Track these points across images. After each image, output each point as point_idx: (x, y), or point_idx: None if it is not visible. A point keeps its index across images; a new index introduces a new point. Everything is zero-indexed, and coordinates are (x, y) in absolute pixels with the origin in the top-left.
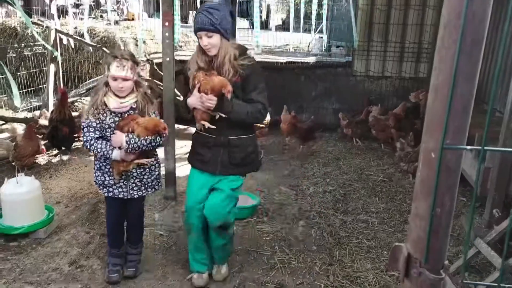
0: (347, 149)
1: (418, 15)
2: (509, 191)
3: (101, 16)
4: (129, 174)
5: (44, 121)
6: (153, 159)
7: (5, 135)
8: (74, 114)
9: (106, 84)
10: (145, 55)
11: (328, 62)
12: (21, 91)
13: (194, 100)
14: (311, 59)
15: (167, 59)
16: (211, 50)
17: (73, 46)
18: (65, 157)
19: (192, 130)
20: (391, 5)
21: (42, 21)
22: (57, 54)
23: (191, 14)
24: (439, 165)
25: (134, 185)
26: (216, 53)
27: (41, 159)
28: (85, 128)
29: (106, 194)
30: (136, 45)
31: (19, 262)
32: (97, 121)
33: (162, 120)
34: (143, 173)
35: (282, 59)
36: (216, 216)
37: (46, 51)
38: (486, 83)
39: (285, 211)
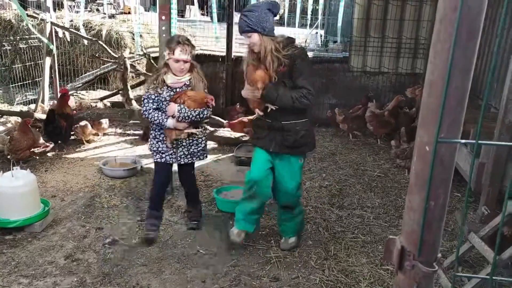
0: (343, 144)
1: (415, 10)
2: (504, 186)
3: (97, 10)
4: (179, 143)
5: (40, 115)
6: (201, 130)
7: (0, 128)
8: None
9: (166, 65)
10: (141, 49)
11: (325, 58)
12: (16, 84)
13: (245, 91)
14: (308, 54)
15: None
16: (254, 47)
17: (68, 40)
18: (61, 151)
19: None
20: (388, 0)
21: (38, 14)
22: (53, 47)
23: (188, 8)
24: (433, 159)
25: (182, 153)
26: (259, 49)
27: (37, 152)
28: (145, 100)
29: (158, 159)
30: (133, 39)
31: (14, 255)
32: (156, 94)
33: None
34: (191, 143)
35: None
36: (286, 199)
37: (41, 44)
38: (482, 78)
39: None
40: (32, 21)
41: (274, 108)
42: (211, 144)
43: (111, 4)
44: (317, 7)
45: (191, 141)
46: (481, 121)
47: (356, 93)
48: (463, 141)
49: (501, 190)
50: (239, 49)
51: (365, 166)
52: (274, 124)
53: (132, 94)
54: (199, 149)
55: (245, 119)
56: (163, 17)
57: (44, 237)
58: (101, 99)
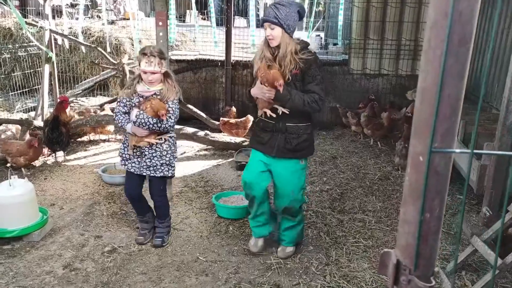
0: (344, 148)
1: (414, 12)
2: (506, 188)
3: (98, 16)
4: (142, 151)
5: (39, 123)
6: (163, 141)
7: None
8: (73, 114)
9: (139, 75)
10: None
11: (325, 61)
12: (16, 92)
13: (256, 90)
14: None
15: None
16: (272, 41)
17: (67, 47)
18: (60, 159)
19: (189, 129)
20: (387, 2)
21: (37, 22)
22: (52, 54)
23: (188, 13)
24: (428, 169)
25: (144, 163)
26: (278, 45)
27: (37, 161)
28: (117, 103)
29: (123, 165)
30: (132, 44)
31: (12, 265)
32: (127, 99)
33: (167, 106)
34: (154, 154)
35: None
36: (287, 203)
37: (40, 51)
38: (486, 81)
39: None
40: (31, 28)
41: (287, 112)
42: (211, 150)
43: (111, 10)
44: (319, 9)
45: (153, 151)
46: (475, 130)
47: (357, 96)
48: (458, 151)
49: (503, 191)
50: (238, 53)
51: (366, 169)
52: (278, 125)
53: None
54: (162, 162)
55: (233, 120)
56: (160, 23)
57: (42, 246)
58: (101, 105)
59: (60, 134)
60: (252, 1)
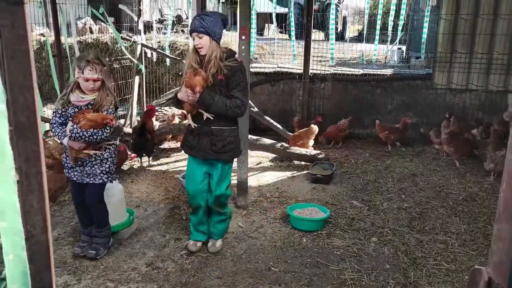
0: (425, 165)
1: (508, 24)
2: None
3: (182, 31)
4: (83, 161)
5: (128, 130)
6: (101, 152)
7: None
8: (156, 123)
9: (76, 82)
10: None
11: (406, 74)
12: None
13: (181, 94)
14: (388, 71)
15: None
16: (201, 49)
17: (155, 60)
18: (145, 164)
19: (265, 141)
20: (478, 14)
21: (130, 37)
22: (142, 67)
23: (267, 26)
24: None
25: (85, 172)
26: (205, 53)
27: (124, 165)
28: (53, 114)
29: (67, 175)
30: None
31: (103, 260)
32: (62, 109)
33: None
34: (94, 162)
35: (358, 71)
36: (218, 200)
37: (132, 64)
38: None
39: (357, 226)
40: (125, 43)
41: (211, 117)
42: (285, 161)
43: None
44: (397, 23)
45: (94, 159)
46: None
47: (440, 112)
48: None
49: None
50: (316, 66)
51: (449, 188)
52: (203, 128)
53: None
54: (101, 169)
55: (296, 132)
56: (243, 37)
57: (129, 244)
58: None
59: (146, 140)
60: (331, 15)
